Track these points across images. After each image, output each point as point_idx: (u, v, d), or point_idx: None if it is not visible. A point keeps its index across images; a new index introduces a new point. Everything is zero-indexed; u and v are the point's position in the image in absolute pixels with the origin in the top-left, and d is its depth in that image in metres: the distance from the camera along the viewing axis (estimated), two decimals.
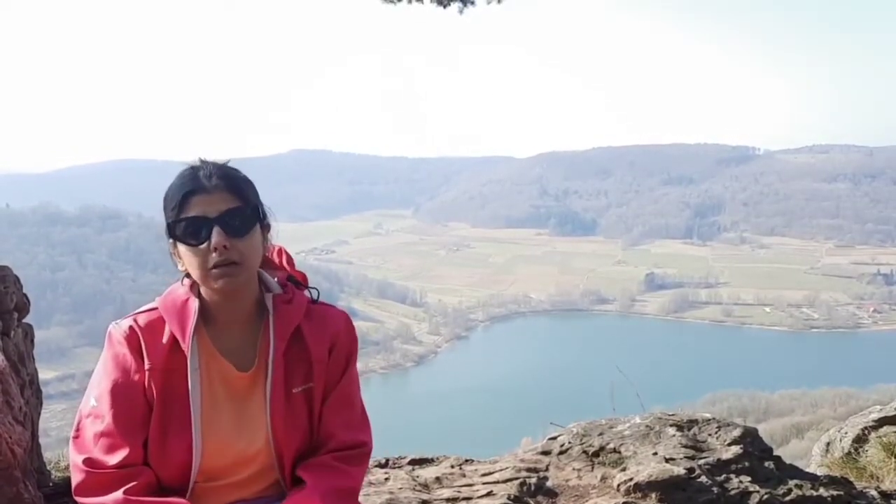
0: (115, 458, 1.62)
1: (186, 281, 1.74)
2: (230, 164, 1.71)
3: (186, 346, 1.65)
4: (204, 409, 1.67)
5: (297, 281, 1.84)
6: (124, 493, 1.59)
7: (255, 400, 1.71)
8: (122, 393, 1.66)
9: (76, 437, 1.68)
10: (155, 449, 1.66)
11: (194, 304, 1.68)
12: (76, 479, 1.64)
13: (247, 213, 1.65)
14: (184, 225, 1.61)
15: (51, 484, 3.10)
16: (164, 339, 1.68)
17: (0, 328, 2.98)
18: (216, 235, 1.59)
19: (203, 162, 1.67)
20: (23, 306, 3.18)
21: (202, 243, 1.61)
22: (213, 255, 1.60)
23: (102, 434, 1.64)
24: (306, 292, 1.83)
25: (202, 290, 1.71)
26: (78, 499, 1.64)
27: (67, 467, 1.59)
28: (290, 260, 1.89)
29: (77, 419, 1.70)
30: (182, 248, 1.64)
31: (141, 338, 1.68)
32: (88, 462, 1.63)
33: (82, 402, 1.71)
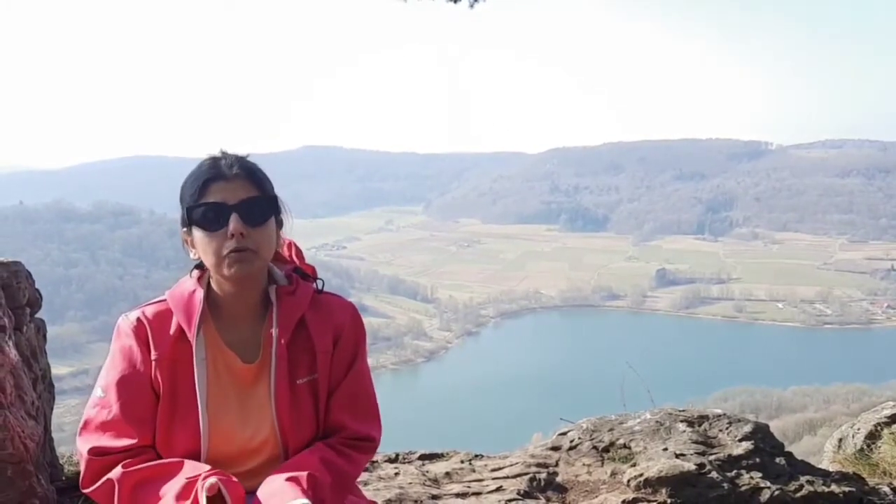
0: (122, 444, 1.63)
1: (195, 273, 1.75)
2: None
3: (192, 336, 1.66)
4: (210, 399, 1.67)
5: (304, 273, 1.84)
6: (123, 466, 1.60)
7: (260, 391, 1.71)
8: (129, 383, 1.67)
9: (83, 428, 1.68)
10: (162, 438, 1.66)
11: (201, 295, 1.70)
12: (83, 469, 1.65)
13: (264, 203, 1.67)
14: (202, 210, 1.63)
15: (63, 478, 3.12)
16: (172, 331, 1.69)
17: (13, 323, 3.00)
18: (234, 222, 1.60)
19: (224, 153, 1.69)
20: (35, 301, 3.20)
21: (219, 229, 1.62)
22: (230, 241, 1.61)
23: (110, 423, 1.64)
24: (312, 284, 1.83)
25: (212, 279, 1.72)
26: (85, 491, 1.64)
27: (80, 462, 1.72)
28: (299, 253, 1.90)
29: (85, 411, 1.71)
30: (198, 233, 1.65)
31: (148, 329, 1.69)
32: (95, 450, 1.63)
33: (91, 395, 1.72)
